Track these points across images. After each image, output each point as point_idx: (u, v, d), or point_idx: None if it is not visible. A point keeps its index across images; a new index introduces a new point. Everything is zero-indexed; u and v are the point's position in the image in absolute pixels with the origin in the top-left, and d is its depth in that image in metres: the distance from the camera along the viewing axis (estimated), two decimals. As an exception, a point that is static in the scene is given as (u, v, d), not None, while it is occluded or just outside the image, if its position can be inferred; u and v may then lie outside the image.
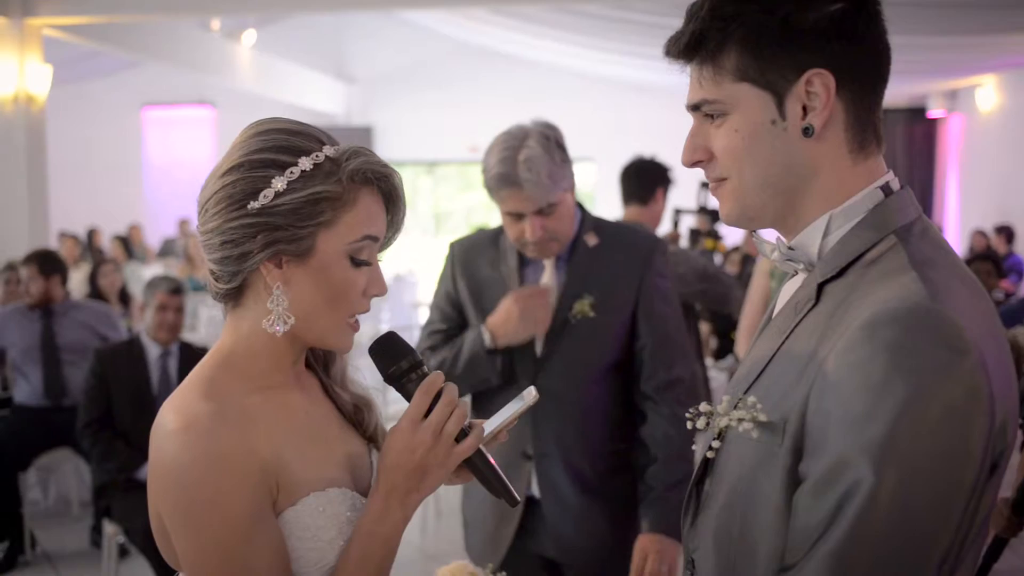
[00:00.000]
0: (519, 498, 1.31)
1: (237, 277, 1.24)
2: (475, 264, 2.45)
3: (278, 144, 1.23)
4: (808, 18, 1.09)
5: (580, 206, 2.40)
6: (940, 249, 1.11)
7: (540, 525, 2.35)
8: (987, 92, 11.91)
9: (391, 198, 1.30)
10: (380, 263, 1.32)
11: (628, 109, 13.68)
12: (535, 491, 2.34)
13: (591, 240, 2.35)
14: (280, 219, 1.20)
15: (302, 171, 1.21)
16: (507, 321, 2.27)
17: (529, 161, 2.19)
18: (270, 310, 1.23)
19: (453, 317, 2.47)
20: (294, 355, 1.31)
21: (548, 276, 2.35)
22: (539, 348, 2.33)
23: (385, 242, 1.32)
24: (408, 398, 1.27)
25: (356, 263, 1.25)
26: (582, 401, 2.31)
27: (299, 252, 1.22)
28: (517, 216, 2.26)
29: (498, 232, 2.44)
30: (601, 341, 2.29)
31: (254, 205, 1.20)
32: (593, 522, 2.32)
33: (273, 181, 1.20)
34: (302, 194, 1.20)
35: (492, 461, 1.30)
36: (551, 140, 2.24)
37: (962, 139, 12.97)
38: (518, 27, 10.40)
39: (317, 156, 1.22)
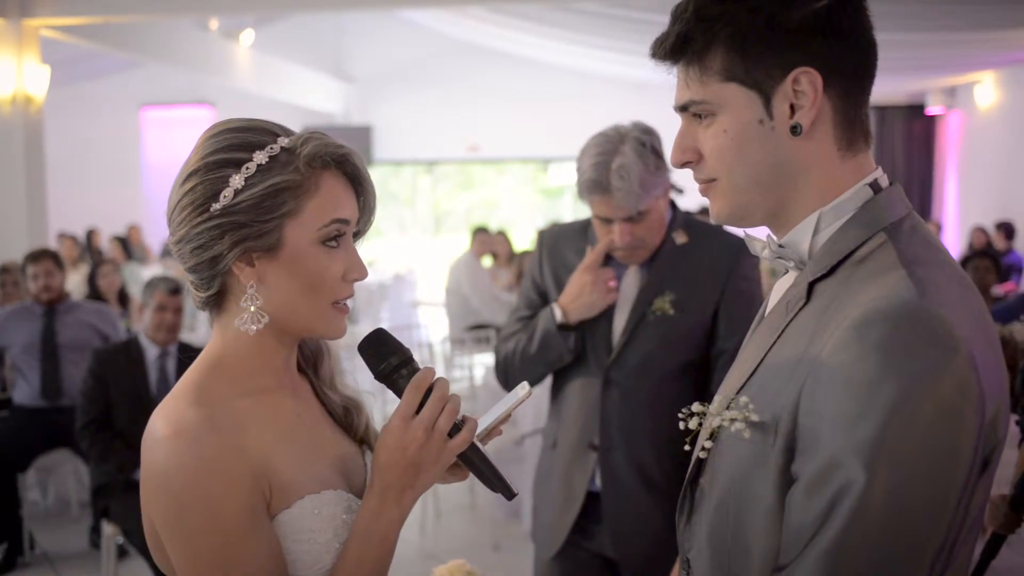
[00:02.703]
0: (515, 491, 1.31)
1: (214, 282, 1.24)
2: (561, 252, 2.47)
3: (231, 143, 1.23)
4: (793, 16, 1.09)
5: (672, 204, 2.39)
6: (930, 246, 1.11)
7: (599, 522, 2.35)
8: (986, 89, 11.90)
9: (356, 179, 1.28)
10: (357, 248, 1.30)
11: (628, 108, 13.65)
12: (598, 484, 2.35)
13: (680, 238, 2.34)
14: (243, 216, 1.20)
15: (258, 165, 1.21)
16: (580, 295, 2.29)
17: (622, 169, 2.18)
18: (243, 309, 1.23)
19: (537, 304, 2.50)
20: (283, 354, 1.30)
21: (634, 270, 2.35)
22: (615, 340, 2.33)
23: (360, 227, 1.31)
24: (399, 395, 1.26)
25: (329, 248, 1.24)
26: (653, 397, 2.30)
27: (268, 246, 1.21)
28: (607, 221, 2.26)
29: (588, 222, 2.44)
30: (677, 340, 2.28)
31: (216, 207, 1.20)
32: (654, 522, 2.29)
33: (231, 180, 1.20)
34: (261, 188, 1.20)
35: (487, 455, 1.29)
36: (647, 147, 2.22)
37: (961, 136, 12.96)
38: (517, 26, 10.39)
39: (272, 148, 1.22)
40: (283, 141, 1.23)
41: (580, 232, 2.47)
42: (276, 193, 1.20)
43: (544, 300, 2.49)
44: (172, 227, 1.25)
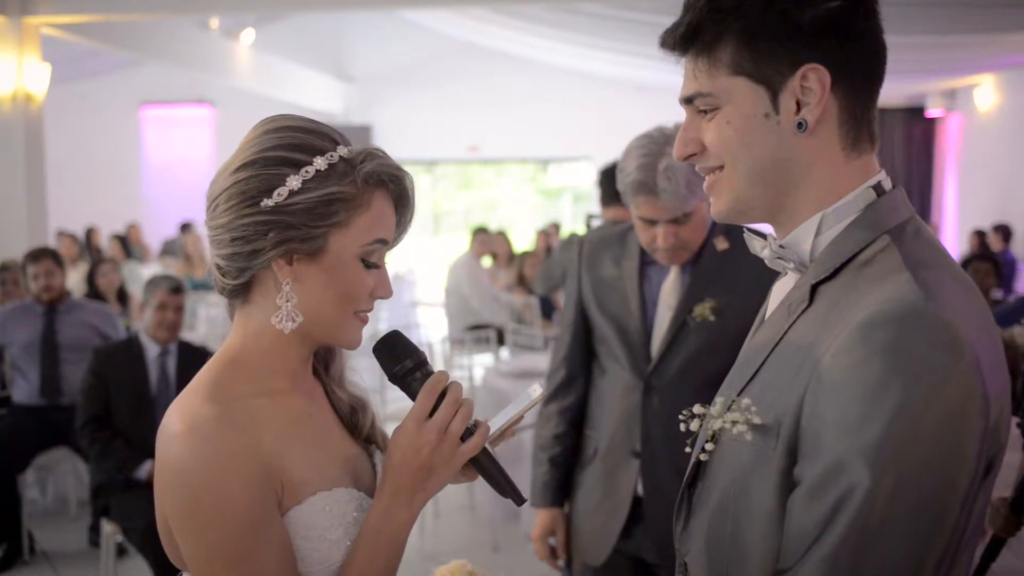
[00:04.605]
0: (525, 497, 1.31)
1: (245, 273, 1.24)
2: (600, 261, 2.46)
3: (293, 142, 1.23)
4: (806, 14, 1.09)
5: None
6: (933, 249, 1.11)
7: (641, 526, 2.35)
8: (985, 91, 11.90)
9: (401, 200, 1.30)
10: (387, 265, 1.32)
11: (628, 109, 13.65)
12: (640, 490, 2.34)
13: (721, 244, 2.32)
14: (294, 218, 1.20)
15: (317, 171, 1.21)
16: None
17: (669, 170, 2.16)
18: (279, 307, 1.23)
19: (581, 328, 2.49)
20: (303, 354, 1.31)
21: (674, 277, 2.34)
22: (655, 348, 2.32)
23: (391, 244, 1.32)
24: (413, 397, 1.27)
25: (367, 265, 1.25)
26: (695, 403, 2.28)
27: (311, 251, 1.22)
28: (650, 222, 2.25)
29: (628, 228, 2.42)
30: (719, 346, 2.25)
31: (267, 203, 1.20)
32: None
33: (288, 179, 1.20)
34: (317, 194, 1.20)
35: (497, 460, 1.30)
36: None
37: (960, 138, 12.97)
38: (518, 26, 10.39)
39: (331, 156, 1.22)
40: (342, 150, 1.24)
41: (619, 239, 2.45)
42: (330, 202, 1.21)
43: (585, 318, 2.47)
44: (214, 212, 1.25)
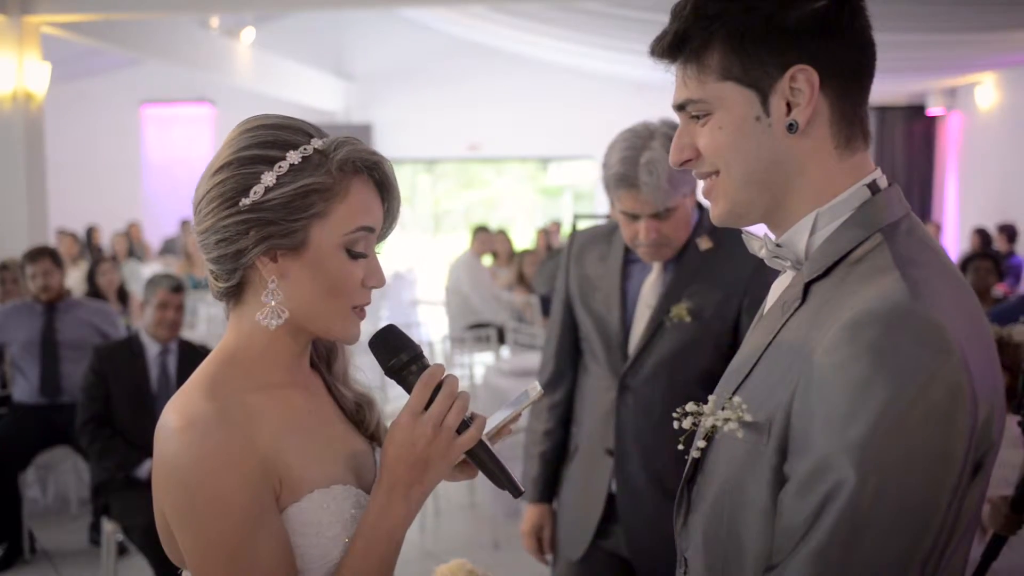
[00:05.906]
0: (523, 489, 1.31)
1: (235, 274, 1.25)
2: (587, 257, 2.46)
3: (266, 140, 1.24)
4: (791, 16, 1.09)
5: (700, 206, 2.36)
6: (926, 247, 1.11)
7: (616, 523, 2.36)
8: (986, 90, 11.90)
9: (384, 186, 1.30)
10: (378, 255, 1.31)
11: (628, 108, 13.61)
12: (614, 488, 2.35)
13: (704, 244, 2.31)
14: (272, 214, 1.21)
15: (291, 165, 1.22)
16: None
17: (651, 164, 2.16)
18: (265, 304, 1.24)
19: (568, 326, 2.49)
20: (298, 350, 1.31)
21: (655, 276, 2.34)
22: (632, 347, 2.32)
23: (382, 233, 1.32)
24: (409, 391, 1.27)
25: (352, 255, 1.25)
26: (669, 405, 2.27)
27: (293, 245, 1.23)
28: (633, 217, 2.24)
29: (616, 226, 2.42)
30: (694, 347, 2.25)
31: (245, 202, 1.21)
32: (668, 525, 2.26)
33: (263, 177, 1.21)
34: (292, 187, 1.21)
35: (495, 453, 1.30)
36: None
37: (961, 137, 12.96)
38: (518, 25, 10.39)
39: (305, 149, 1.23)
40: (316, 143, 1.24)
41: (605, 236, 2.45)
42: (307, 194, 1.21)
43: (572, 314, 2.47)
44: (198, 217, 1.26)
